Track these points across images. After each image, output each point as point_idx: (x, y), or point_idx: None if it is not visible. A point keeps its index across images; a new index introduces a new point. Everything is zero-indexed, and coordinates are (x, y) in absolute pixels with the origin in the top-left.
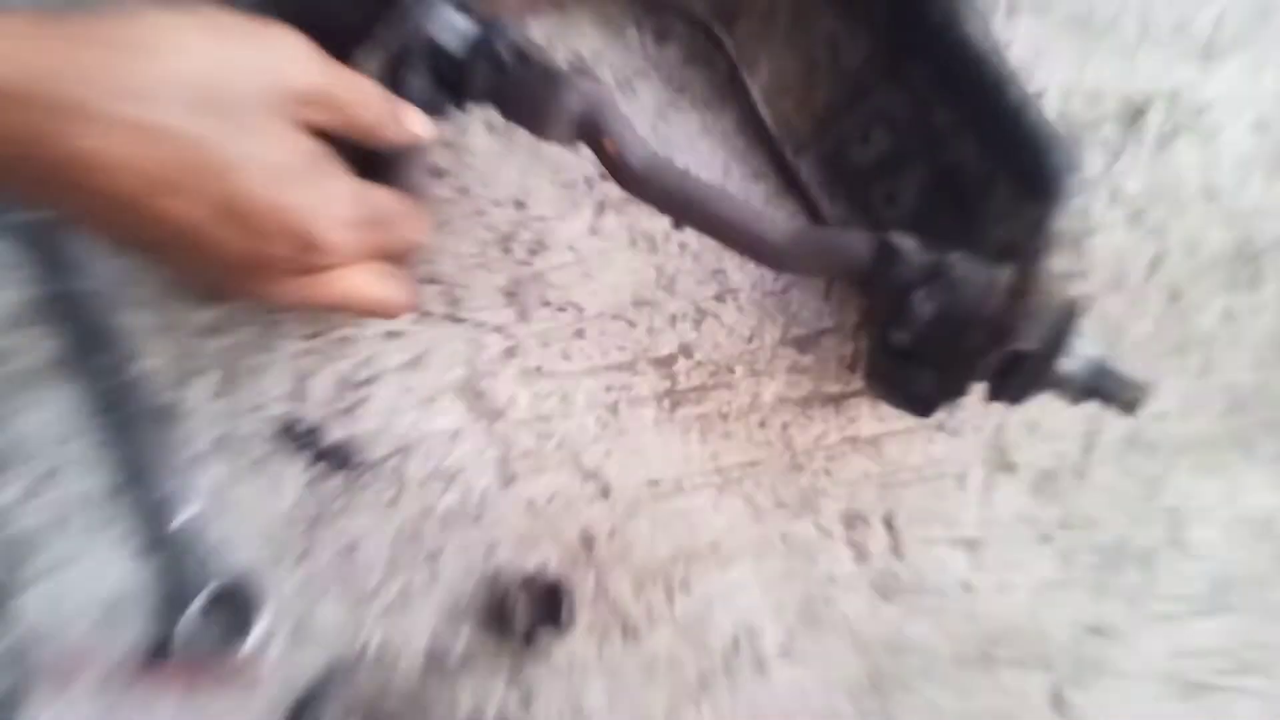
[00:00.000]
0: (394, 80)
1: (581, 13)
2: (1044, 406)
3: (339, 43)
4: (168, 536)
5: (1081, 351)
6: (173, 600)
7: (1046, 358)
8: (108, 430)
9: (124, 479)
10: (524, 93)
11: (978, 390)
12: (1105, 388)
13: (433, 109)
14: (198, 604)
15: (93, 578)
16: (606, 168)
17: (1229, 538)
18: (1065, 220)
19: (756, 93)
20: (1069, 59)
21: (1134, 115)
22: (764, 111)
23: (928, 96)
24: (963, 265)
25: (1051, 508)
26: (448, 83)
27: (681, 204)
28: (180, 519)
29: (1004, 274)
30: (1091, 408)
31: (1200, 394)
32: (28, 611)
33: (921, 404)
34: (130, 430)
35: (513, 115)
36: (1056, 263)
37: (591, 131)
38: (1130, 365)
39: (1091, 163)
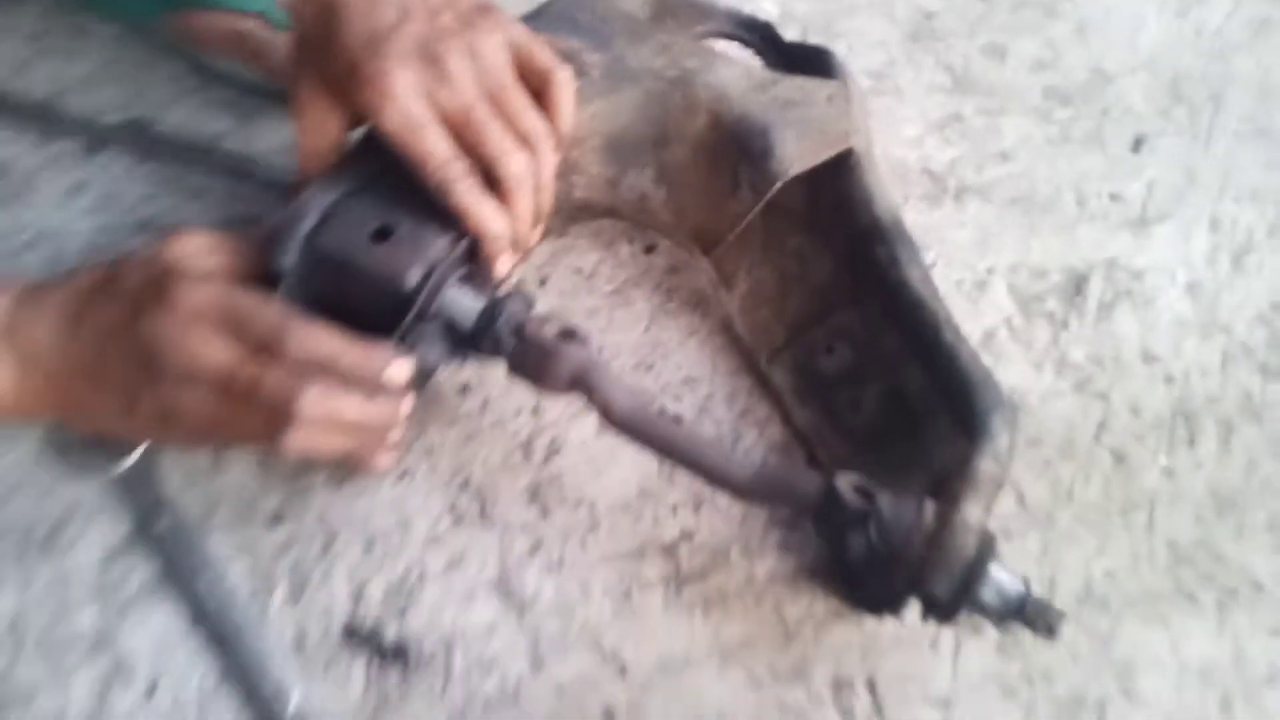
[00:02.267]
0: (413, 347)
1: (581, 233)
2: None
3: (379, 324)
4: (284, 714)
5: (1000, 586)
6: None
7: (958, 598)
8: (208, 638)
9: (235, 673)
10: (523, 360)
11: None
12: (1024, 616)
13: (451, 362)
14: None
15: None
16: (598, 413)
17: (1175, 687)
18: (989, 461)
19: (735, 302)
20: (1015, 236)
21: (1076, 286)
22: (740, 320)
23: (879, 323)
24: (891, 509)
25: (1014, 664)
26: (460, 345)
27: (659, 445)
28: (293, 702)
29: (925, 520)
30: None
31: (1146, 550)
32: None
33: (873, 609)
34: (228, 637)
35: (516, 373)
36: (973, 509)
37: (581, 389)
38: (1082, 529)
39: (1039, 336)
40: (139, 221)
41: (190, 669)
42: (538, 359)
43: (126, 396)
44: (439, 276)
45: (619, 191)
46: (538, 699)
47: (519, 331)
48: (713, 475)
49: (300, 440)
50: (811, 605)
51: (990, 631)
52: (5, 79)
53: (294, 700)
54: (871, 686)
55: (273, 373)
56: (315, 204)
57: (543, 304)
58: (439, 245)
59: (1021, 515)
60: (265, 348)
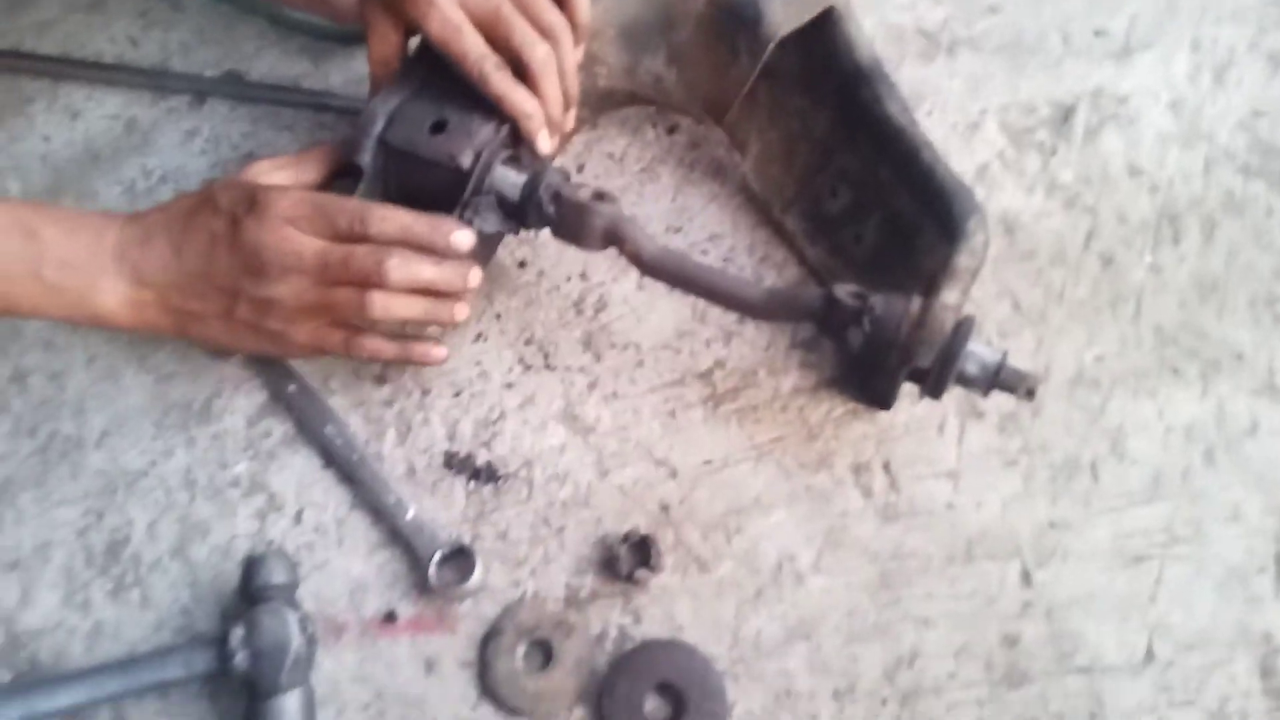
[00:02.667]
0: (472, 219)
1: (609, 123)
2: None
3: (443, 204)
4: (405, 524)
5: (979, 357)
6: (414, 564)
7: (943, 369)
8: (338, 476)
9: (363, 500)
10: (563, 222)
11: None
12: (1003, 383)
13: (505, 231)
14: (437, 556)
15: (341, 572)
16: (629, 260)
17: (1161, 443)
18: (966, 257)
19: (749, 164)
20: (1005, 79)
21: (1064, 116)
22: (754, 179)
23: (872, 158)
24: (882, 305)
25: (1014, 440)
26: (511, 216)
27: (684, 281)
28: (411, 513)
29: (911, 310)
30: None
31: (1133, 336)
32: (306, 598)
33: (879, 401)
34: (354, 471)
35: (559, 236)
36: (951, 294)
37: (614, 240)
38: (1073, 323)
39: (1030, 164)
40: (243, 155)
41: (327, 499)
42: (575, 218)
43: (229, 297)
44: (488, 156)
45: (637, 76)
46: (605, 499)
47: (557, 197)
48: (730, 300)
49: (385, 305)
50: (831, 409)
51: (991, 415)
52: (122, 52)
53: (411, 512)
54: (887, 467)
55: (361, 248)
56: (382, 110)
57: None
58: (485, 130)
59: (1016, 317)
60: (350, 232)
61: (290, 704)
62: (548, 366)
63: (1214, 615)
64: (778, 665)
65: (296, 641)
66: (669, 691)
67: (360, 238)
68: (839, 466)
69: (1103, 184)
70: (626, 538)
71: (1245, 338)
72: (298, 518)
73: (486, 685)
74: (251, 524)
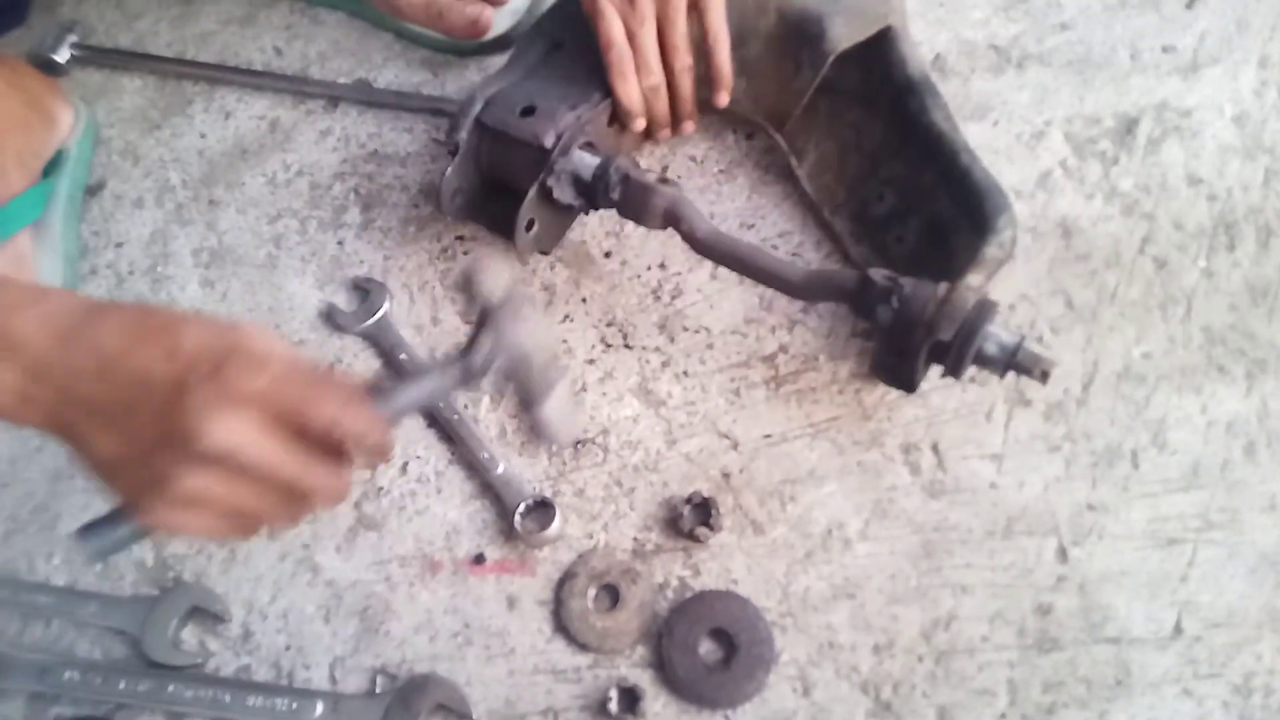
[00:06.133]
0: (550, 193)
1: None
2: (1054, 356)
3: (525, 177)
4: (495, 478)
5: (998, 338)
6: (501, 513)
7: (963, 344)
8: (439, 434)
9: (460, 456)
10: (629, 201)
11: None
12: (1020, 364)
13: (579, 207)
14: (522, 507)
15: (439, 517)
16: (684, 240)
17: (1203, 436)
18: (994, 249)
19: (804, 169)
20: (1071, 92)
21: (1127, 127)
22: (808, 183)
23: (917, 164)
24: (911, 286)
25: (1059, 428)
26: (583, 194)
27: (733, 260)
28: (500, 469)
29: (938, 289)
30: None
31: (1182, 335)
32: (408, 538)
33: (905, 383)
34: (453, 430)
35: (624, 215)
36: (976, 279)
37: (672, 220)
38: (1123, 322)
39: (1091, 172)
40: (369, 152)
41: (429, 454)
42: (639, 198)
43: (135, 449)
44: (568, 138)
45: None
46: (672, 466)
47: (625, 179)
48: (774, 279)
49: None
50: (885, 394)
51: (1038, 404)
52: (269, 60)
53: (501, 468)
54: (935, 448)
55: (320, 469)
56: (481, 95)
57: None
58: (568, 118)
59: (1069, 315)
60: (325, 434)
61: None
62: (626, 346)
63: (1244, 597)
64: (823, 620)
65: None
66: (722, 636)
67: (337, 439)
68: (889, 445)
69: (1161, 192)
70: (690, 499)
71: None
72: (404, 469)
73: (560, 622)
74: (363, 472)
